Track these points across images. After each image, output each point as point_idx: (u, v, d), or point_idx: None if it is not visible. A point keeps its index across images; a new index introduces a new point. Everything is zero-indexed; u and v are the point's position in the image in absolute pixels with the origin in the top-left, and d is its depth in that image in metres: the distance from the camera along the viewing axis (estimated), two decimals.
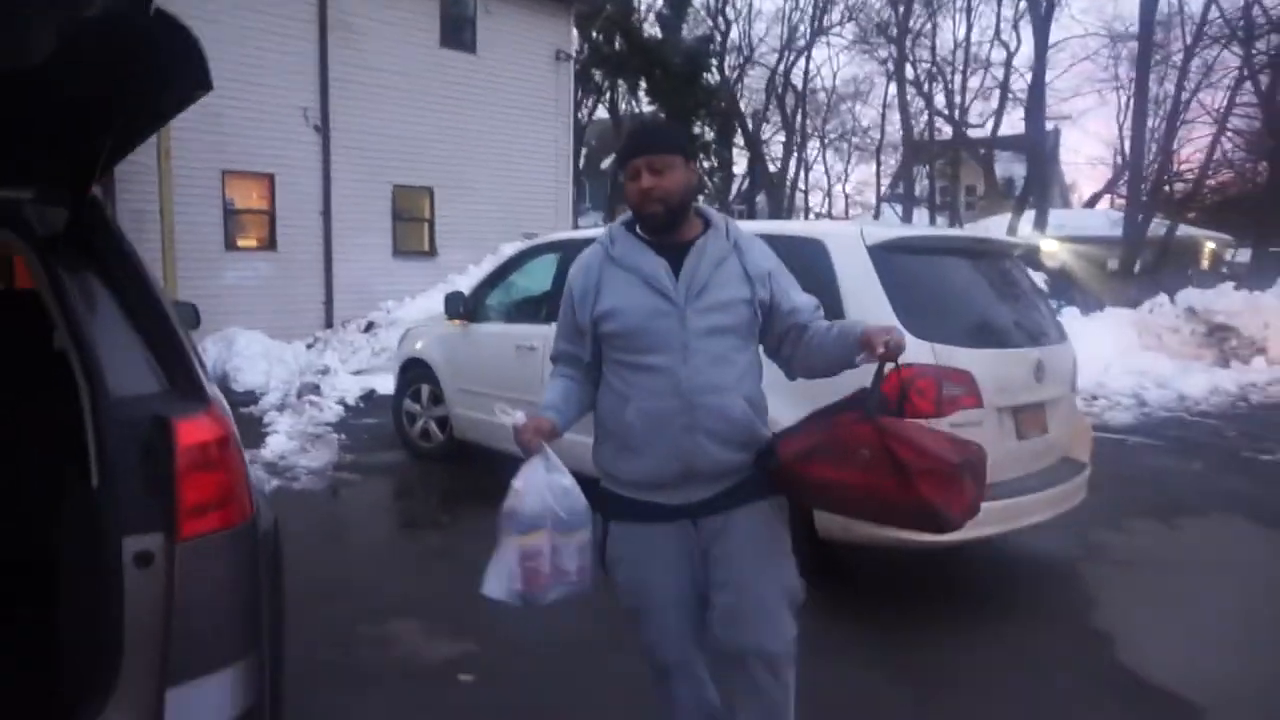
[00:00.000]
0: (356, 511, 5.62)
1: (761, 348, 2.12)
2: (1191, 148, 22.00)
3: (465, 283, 10.02)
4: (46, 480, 2.03)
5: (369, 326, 11.55)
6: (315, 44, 12.25)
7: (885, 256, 3.76)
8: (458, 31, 14.02)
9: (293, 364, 9.82)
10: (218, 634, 1.53)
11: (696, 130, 25.94)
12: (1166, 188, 21.13)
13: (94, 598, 1.50)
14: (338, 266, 12.56)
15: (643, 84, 26.05)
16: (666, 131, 2.09)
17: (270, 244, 12.15)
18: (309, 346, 10.96)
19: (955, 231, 5.26)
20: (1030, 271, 15.29)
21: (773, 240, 4.17)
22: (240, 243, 12.01)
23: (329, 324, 12.29)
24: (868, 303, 3.65)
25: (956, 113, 28.29)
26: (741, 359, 2.02)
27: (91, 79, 1.38)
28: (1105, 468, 6.07)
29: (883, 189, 34.94)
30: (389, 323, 11.33)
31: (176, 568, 1.48)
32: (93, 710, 1.41)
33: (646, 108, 27.21)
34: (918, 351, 3.52)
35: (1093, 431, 5.03)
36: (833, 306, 3.73)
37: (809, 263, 3.90)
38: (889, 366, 1.91)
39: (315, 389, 8.92)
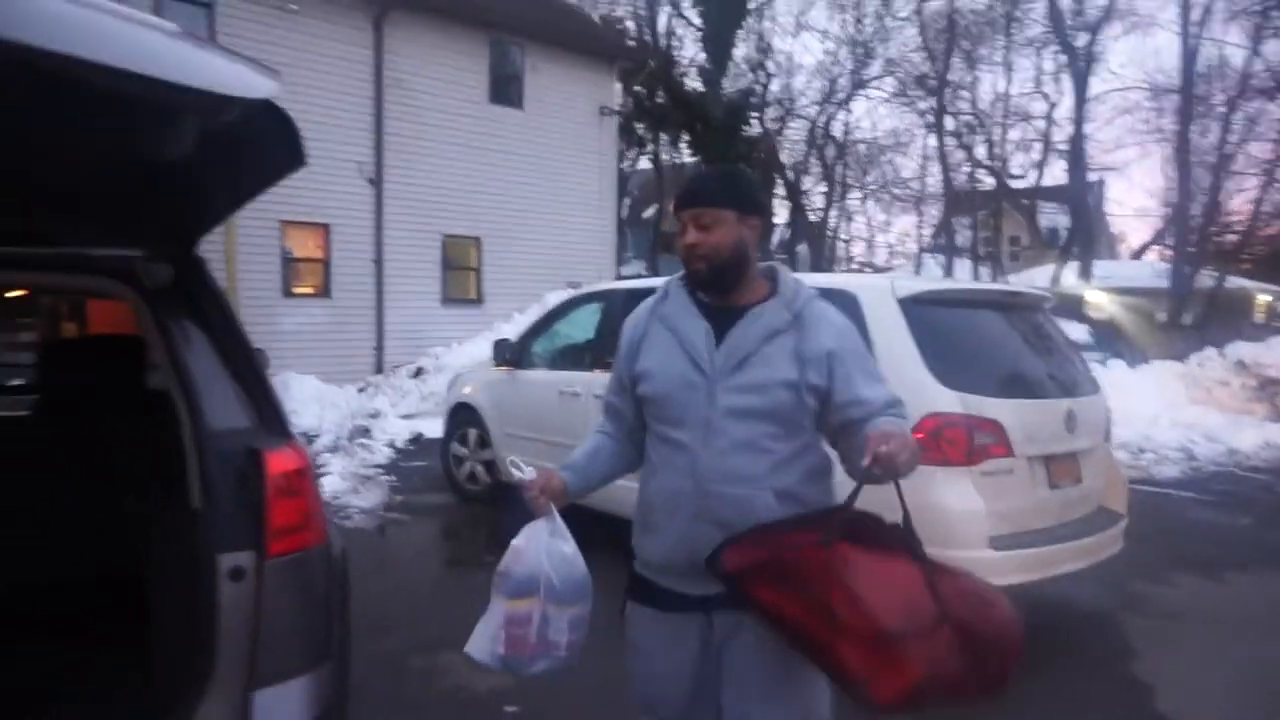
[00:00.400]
0: (406, 550, 5.81)
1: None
2: (1242, 199, 21.76)
3: (511, 330, 10.31)
4: (147, 503, 2.25)
5: (418, 372, 11.88)
6: (371, 100, 12.85)
7: (915, 309, 3.90)
8: (506, 88, 14.59)
9: (344, 407, 10.15)
10: (298, 643, 1.71)
11: None
12: (1214, 239, 20.88)
13: (192, 608, 1.69)
14: (389, 313, 12.99)
15: (685, 136, 26.60)
16: (719, 183, 1.85)
17: (325, 291, 12.62)
18: (360, 390, 11.31)
19: (985, 285, 5.38)
20: (1074, 323, 15.11)
21: None
22: (296, 290, 12.50)
23: (379, 369, 12.68)
24: (898, 354, 3.79)
25: (998, 164, 28.36)
26: (781, 448, 1.76)
27: (204, 160, 1.61)
28: (1149, 521, 6.06)
29: (924, 240, 34.98)
30: (437, 368, 11.65)
31: (264, 582, 1.67)
32: (189, 708, 1.60)
33: (688, 159, 27.74)
34: (947, 401, 3.65)
35: (1130, 483, 5.04)
36: None
37: None
38: (881, 483, 1.65)
39: (366, 432, 9.22)
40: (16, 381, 5.95)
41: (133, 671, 1.90)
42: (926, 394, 3.69)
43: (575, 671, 3.14)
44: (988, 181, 29.21)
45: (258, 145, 1.52)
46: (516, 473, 1.84)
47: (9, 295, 7.14)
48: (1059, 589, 4.34)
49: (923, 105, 29.40)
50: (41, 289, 3.55)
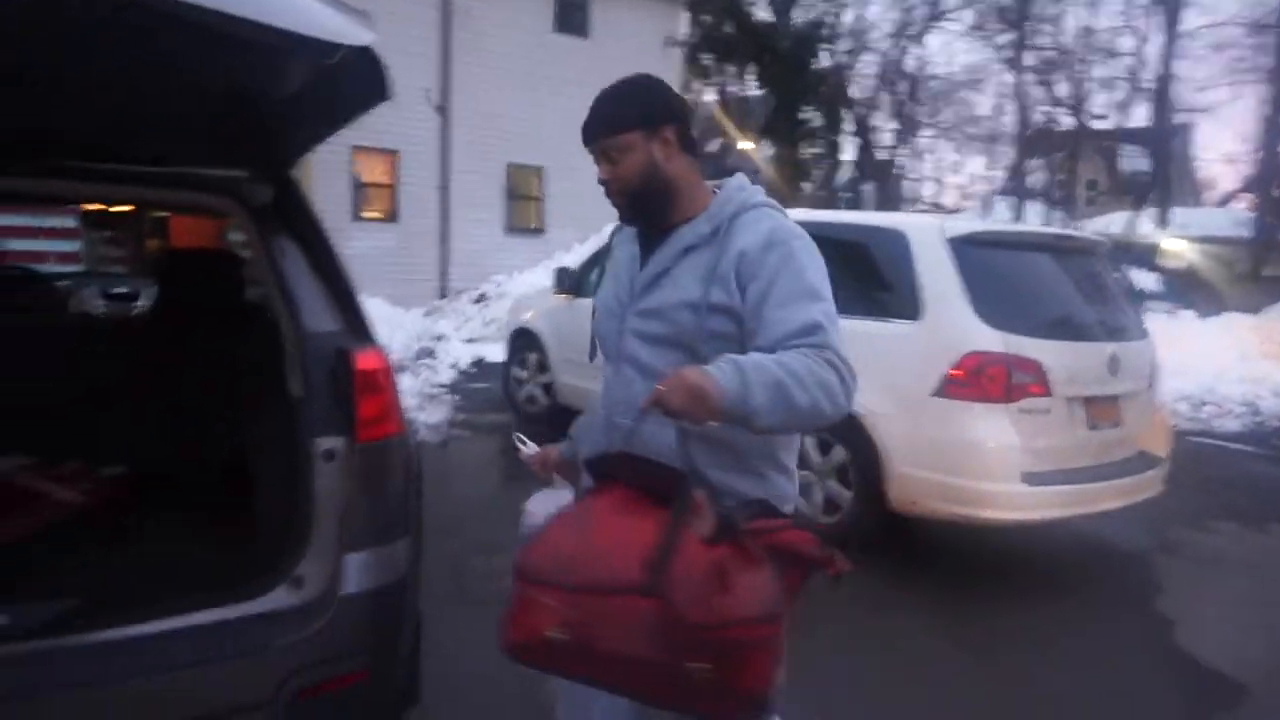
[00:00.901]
0: (468, 463, 6.17)
1: None
2: None
3: (572, 259, 10.53)
4: (253, 395, 2.54)
5: (481, 298, 12.23)
6: (438, 29, 12.97)
7: (965, 249, 3.98)
8: (571, 17, 14.54)
9: (411, 330, 10.56)
10: (381, 517, 1.97)
11: (804, 116, 25.85)
12: None
13: (292, 485, 1.96)
14: (453, 240, 13.31)
15: (752, 68, 26.10)
16: (616, 103, 1.65)
17: (393, 216, 12.98)
18: (426, 314, 11.72)
19: (1038, 228, 5.37)
20: (1145, 271, 14.71)
21: (855, 230, 4.55)
22: (366, 214, 12.87)
23: (444, 294, 13.07)
24: (944, 293, 3.89)
25: (1078, 103, 27.23)
26: None
27: (303, 93, 1.81)
28: (1200, 471, 6.10)
29: (997, 181, 33.94)
30: (499, 295, 11.98)
31: (353, 464, 1.93)
32: (291, 566, 1.88)
33: (755, 91, 27.25)
34: (988, 340, 3.75)
35: (1186, 435, 5.09)
36: (911, 296, 4.01)
37: (889, 253, 4.18)
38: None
39: (431, 354, 9.62)
40: (120, 289, 6.41)
41: (244, 537, 2.20)
42: (970, 332, 3.80)
43: None
44: (1066, 122, 28.12)
45: (351, 81, 1.71)
46: (522, 447, 2.01)
47: (115, 211, 7.59)
48: (1096, 527, 4.48)
49: (1001, 40, 28.24)
50: (157, 205, 3.87)
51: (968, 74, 31.67)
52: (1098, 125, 28.33)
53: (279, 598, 1.90)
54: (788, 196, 26.17)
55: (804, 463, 4.39)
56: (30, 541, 2.35)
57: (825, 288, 1.54)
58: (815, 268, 1.55)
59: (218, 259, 3.28)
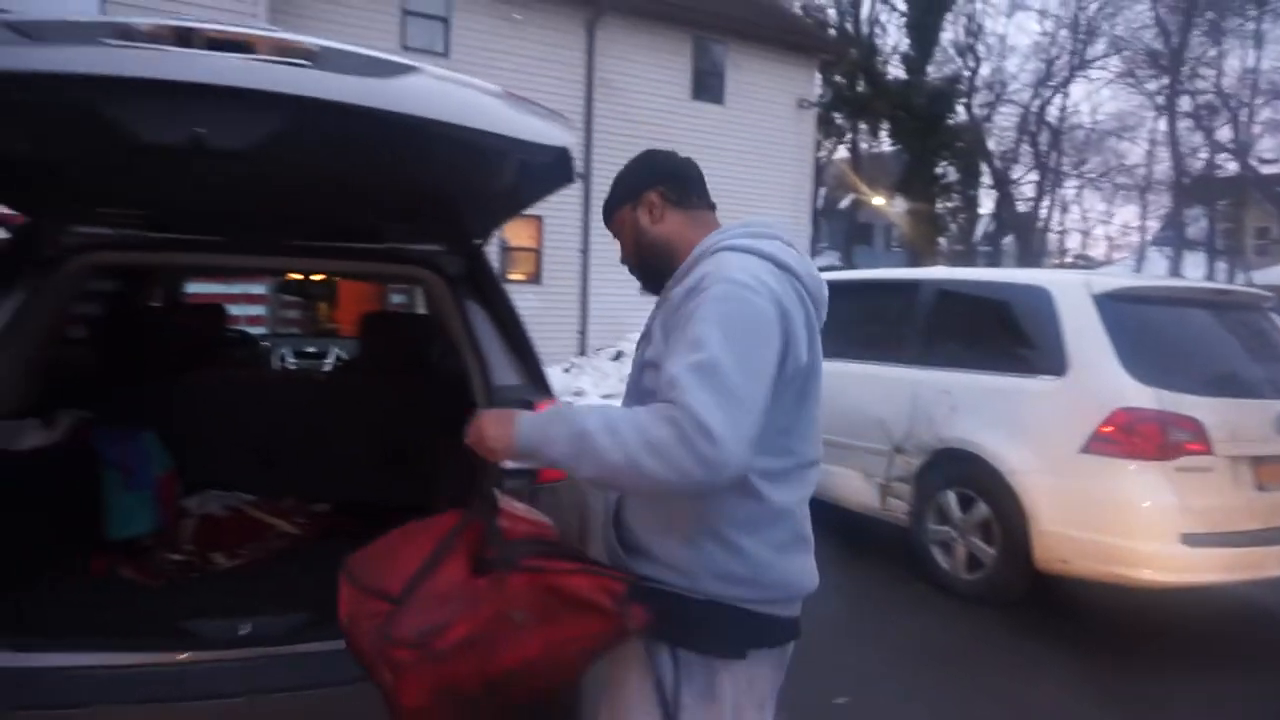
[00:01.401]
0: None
1: None
2: None
3: None
4: (444, 439, 2.87)
5: (618, 355, 12.65)
6: (583, 101, 13.73)
7: (1113, 305, 3.94)
8: (708, 85, 15.09)
9: (552, 385, 11.02)
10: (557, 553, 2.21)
11: (940, 170, 25.49)
12: None
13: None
14: (592, 300, 13.88)
15: (884, 125, 26.05)
16: (610, 192, 1.70)
17: (536, 278, 13.68)
18: (565, 370, 12.22)
19: (1192, 283, 5.17)
20: None
21: (997, 288, 4.58)
22: (511, 276, 13.63)
23: (583, 351, 13.59)
24: (1091, 350, 3.87)
25: (1243, 147, 25.63)
26: None
27: (503, 181, 2.11)
28: None
29: (1151, 231, 32.17)
30: None
31: (534, 503, 2.18)
32: None
33: (887, 147, 27.14)
34: (1139, 396, 3.70)
35: None
36: (1056, 353, 4.00)
37: (1033, 310, 4.20)
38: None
39: None
40: (309, 348, 7.13)
41: None
42: (1119, 388, 3.75)
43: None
44: (1230, 167, 26.49)
45: (543, 170, 1.99)
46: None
47: (301, 278, 8.44)
48: (1265, 594, 4.23)
49: (1152, 85, 27.07)
50: (373, 276, 4.37)
51: (1116, 121, 30.47)
52: (1266, 169, 26.56)
53: None
54: (924, 252, 25.74)
55: (944, 518, 4.39)
56: (263, 565, 2.72)
57: (712, 336, 1.32)
58: (715, 316, 1.35)
59: (410, 320, 3.70)
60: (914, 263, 23.48)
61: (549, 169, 1.91)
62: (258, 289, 9.00)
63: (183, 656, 1.90)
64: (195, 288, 5.77)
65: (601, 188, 1.75)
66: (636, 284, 1.72)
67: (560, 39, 13.55)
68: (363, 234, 2.57)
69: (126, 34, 1.49)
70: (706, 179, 1.74)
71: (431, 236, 2.57)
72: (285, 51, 1.54)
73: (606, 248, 13.50)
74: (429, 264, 2.54)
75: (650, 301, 1.66)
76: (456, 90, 1.62)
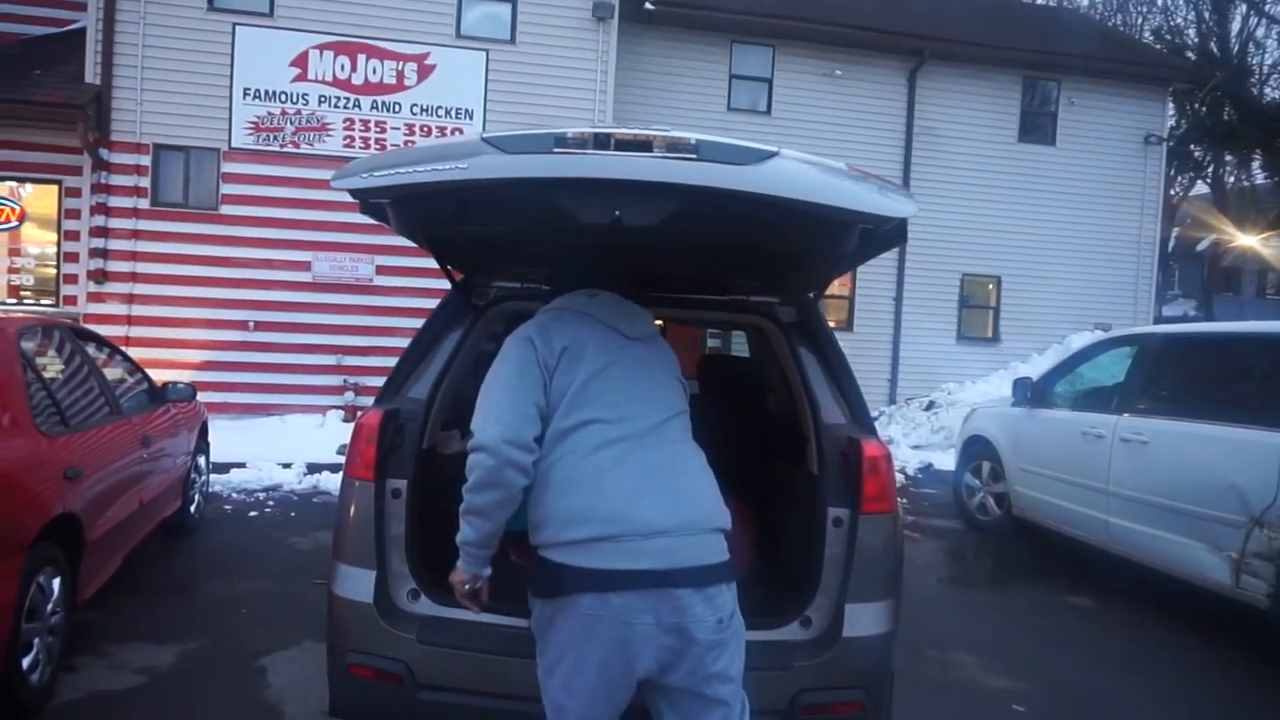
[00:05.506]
0: (917, 561, 6.35)
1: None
2: None
3: (1029, 370, 10.21)
4: (779, 469, 3.21)
5: (930, 405, 12.31)
6: (900, 148, 13.69)
7: None
8: (1037, 126, 14.32)
9: (874, 426, 11.00)
10: (874, 578, 2.42)
11: None
12: None
13: (808, 543, 2.51)
14: (904, 347, 13.64)
15: (1256, 155, 22.72)
16: None
17: (848, 325, 13.74)
18: (874, 419, 12.14)
19: None
20: None
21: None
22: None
23: (892, 400, 13.39)
24: None
25: None
26: None
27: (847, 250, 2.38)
28: None
29: None
30: (949, 403, 11.94)
31: (856, 531, 2.41)
32: (803, 607, 2.40)
33: (1261, 181, 23.57)
34: None
35: None
36: None
37: None
38: None
39: None
40: None
41: (766, 582, 2.80)
42: None
43: (1085, 670, 3.41)
44: None
45: (883, 235, 2.21)
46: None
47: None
48: None
49: None
50: (725, 324, 5.04)
51: None
52: None
53: (792, 631, 2.44)
54: None
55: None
56: None
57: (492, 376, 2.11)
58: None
59: (744, 363, 4.11)
60: None
61: (888, 234, 2.15)
62: None
63: None
64: None
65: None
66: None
67: (880, 90, 13.67)
68: (713, 288, 2.99)
69: (562, 142, 1.98)
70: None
71: (770, 289, 2.92)
72: (674, 147, 1.93)
73: (921, 295, 13.38)
74: (767, 313, 2.89)
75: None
76: (813, 172, 1.93)
